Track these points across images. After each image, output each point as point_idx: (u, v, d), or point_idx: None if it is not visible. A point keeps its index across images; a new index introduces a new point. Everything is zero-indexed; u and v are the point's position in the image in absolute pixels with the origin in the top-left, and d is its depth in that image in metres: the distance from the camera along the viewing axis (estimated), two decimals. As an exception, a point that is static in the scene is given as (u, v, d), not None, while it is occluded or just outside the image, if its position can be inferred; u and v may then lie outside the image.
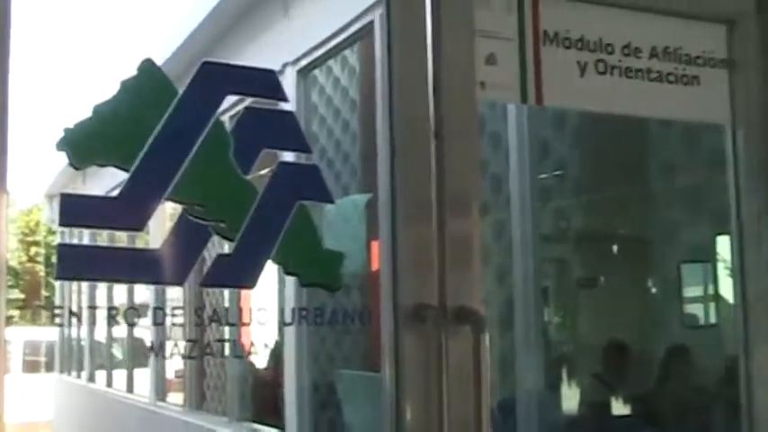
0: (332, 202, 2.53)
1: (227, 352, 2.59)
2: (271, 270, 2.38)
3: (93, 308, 2.32)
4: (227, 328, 2.47)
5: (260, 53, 5.67)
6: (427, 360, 2.44)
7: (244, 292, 2.51)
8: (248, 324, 2.43)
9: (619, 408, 6.35)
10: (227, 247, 2.32)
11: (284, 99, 2.46)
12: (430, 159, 2.51)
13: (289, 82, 5.68)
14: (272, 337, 6.35)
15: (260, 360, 7.49)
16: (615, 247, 7.92)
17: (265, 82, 2.43)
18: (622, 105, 3.04)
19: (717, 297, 7.07)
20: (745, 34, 3.12)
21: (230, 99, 2.39)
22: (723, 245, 6.25)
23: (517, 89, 2.78)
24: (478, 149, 2.67)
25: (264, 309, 2.43)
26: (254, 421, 7.09)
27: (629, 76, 2.95)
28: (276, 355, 6.74)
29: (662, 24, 3.03)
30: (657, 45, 2.99)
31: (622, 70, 2.93)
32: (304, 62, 5.85)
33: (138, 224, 2.21)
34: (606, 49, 2.91)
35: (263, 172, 2.39)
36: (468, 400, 2.39)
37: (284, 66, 5.68)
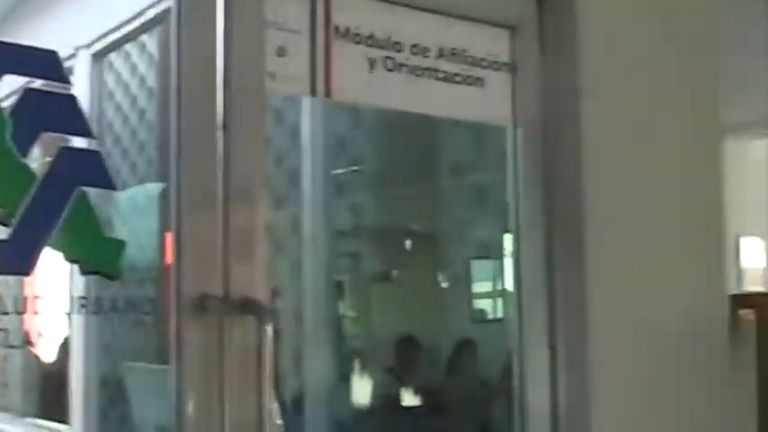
0: (114, 188, 2.47)
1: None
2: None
3: None
4: (4, 317, 2.38)
5: (52, 34, 5.44)
6: (209, 352, 2.41)
7: (27, 280, 2.42)
8: (23, 313, 2.35)
9: (409, 399, 6.49)
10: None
11: (66, 81, 2.38)
12: (216, 150, 2.48)
13: (82, 66, 5.48)
14: (63, 328, 6.12)
15: (48, 352, 7.21)
16: (409, 243, 8.07)
17: (46, 63, 2.34)
18: (410, 103, 3.09)
19: (503, 293, 7.32)
20: (526, 40, 3.24)
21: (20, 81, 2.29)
22: (510, 242, 6.46)
23: (307, 82, 2.78)
24: (266, 141, 2.66)
25: (41, 297, 2.36)
26: (40, 417, 6.82)
27: (417, 74, 3.00)
28: (66, 346, 6.50)
29: (449, 26, 3.10)
30: (445, 46, 3.06)
31: (410, 68, 2.99)
32: (99, 46, 5.66)
33: None
34: (395, 46, 2.95)
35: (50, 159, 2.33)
36: (250, 392, 2.38)
37: (77, 48, 5.48)
